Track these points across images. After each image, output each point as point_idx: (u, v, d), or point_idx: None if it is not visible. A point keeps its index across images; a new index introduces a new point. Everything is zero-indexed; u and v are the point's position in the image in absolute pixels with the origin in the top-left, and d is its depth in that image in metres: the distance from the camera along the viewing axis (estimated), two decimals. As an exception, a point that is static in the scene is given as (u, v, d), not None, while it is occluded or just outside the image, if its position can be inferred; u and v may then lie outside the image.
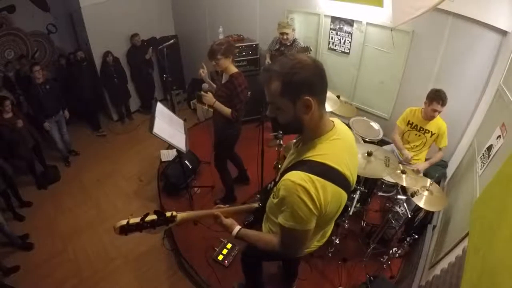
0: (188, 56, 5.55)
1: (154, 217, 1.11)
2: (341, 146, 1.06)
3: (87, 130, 5.04)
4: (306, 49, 3.18)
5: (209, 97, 2.47)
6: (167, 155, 3.83)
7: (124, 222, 1.06)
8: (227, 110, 2.46)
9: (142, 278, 2.71)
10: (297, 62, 0.94)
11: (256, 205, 1.43)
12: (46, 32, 4.86)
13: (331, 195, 0.98)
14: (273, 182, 1.41)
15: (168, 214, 1.14)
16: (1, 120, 3.24)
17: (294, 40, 3.41)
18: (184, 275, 2.70)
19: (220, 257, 2.60)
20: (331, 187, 0.98)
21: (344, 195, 1.06)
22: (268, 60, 3.70)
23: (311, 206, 0.96)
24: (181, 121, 2.78)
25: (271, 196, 1.21)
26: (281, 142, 2.47)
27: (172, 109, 3.19)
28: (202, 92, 2.49)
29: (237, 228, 1.24)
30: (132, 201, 3.58)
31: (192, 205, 2.97)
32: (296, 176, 0.96)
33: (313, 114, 0.99)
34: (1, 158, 3.24)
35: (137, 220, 1.08)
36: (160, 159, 3.85)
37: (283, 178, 1.01)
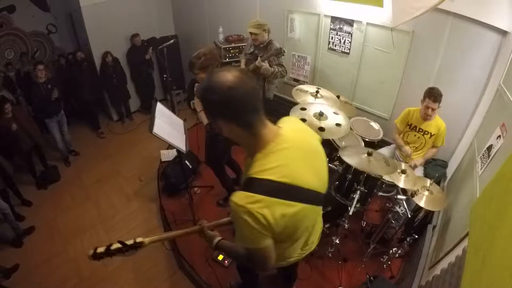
0: (188, 56, 5.47)
1: (118, 245, 1.19)
2: (290, 155, 0.97)
3: (87, 130, 5.04)
4: (279, 51, 3.00)
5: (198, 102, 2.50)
6: (167, 155, 3.83)
7: (91, 251, 1.19)
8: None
9: (142, 278, 2.71)
10: (213, 83, 0.90)
11: None
12: (46, 32, 4.86)
13: (279, 212, 0.92)
14: None
15: (130, 242, 1.20)
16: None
17: (269, 42, 3.15)
18: (184, 275, 2.70)
19: (220, 257, 2.60)
20: (277, 204, 0.92)
21: (301, 207, 0.98)
22: (242, 65, 3.42)
23: (256, 227, 0.91)
24: (181, 121, 2.77)
25: None
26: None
27: (172, 109, 3.18)
28: (196, 96, 2.52)
29: (217, 239, 1.28)
30: (132, 201, 3.58)
31: (192, 205, 2.97)
32: (238, 197, 0.91)
33: (234, 134, 0.94)
34: (1, 156, 3.23)
35: (102, 249, 1.18)
36: (160, 159, 3.85)
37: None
